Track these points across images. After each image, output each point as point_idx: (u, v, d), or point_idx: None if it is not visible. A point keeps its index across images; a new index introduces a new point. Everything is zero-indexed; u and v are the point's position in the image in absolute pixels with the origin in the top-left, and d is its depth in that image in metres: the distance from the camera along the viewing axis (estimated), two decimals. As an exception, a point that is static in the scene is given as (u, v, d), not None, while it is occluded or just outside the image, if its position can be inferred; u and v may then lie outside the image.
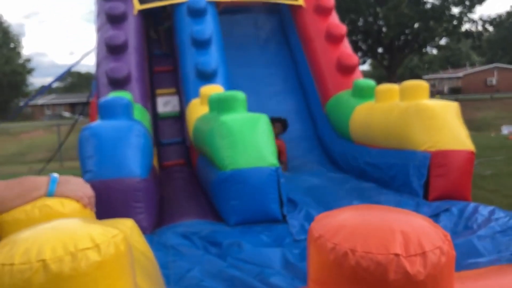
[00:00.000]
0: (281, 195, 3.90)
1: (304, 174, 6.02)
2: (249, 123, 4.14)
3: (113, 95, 5.44)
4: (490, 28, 38.80)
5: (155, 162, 5.73)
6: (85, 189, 1.83)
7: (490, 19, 36.14)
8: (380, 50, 34.69)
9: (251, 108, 7.27)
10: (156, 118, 7.29)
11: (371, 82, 6.16)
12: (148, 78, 7.27)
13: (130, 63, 6.60)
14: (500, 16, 38.19)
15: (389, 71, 34.39)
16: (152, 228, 3.79)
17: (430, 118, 4.44)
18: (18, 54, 48.13)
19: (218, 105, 4.54)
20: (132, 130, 3.87)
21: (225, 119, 4.13)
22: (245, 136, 4.00)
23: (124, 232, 1.27)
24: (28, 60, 49.16)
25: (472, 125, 23.32)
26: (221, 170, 3.94)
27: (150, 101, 7.13)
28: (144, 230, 3.60)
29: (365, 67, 71.76)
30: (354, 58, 6.85)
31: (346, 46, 7.22)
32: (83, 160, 3.71)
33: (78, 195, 1.74)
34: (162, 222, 4.09)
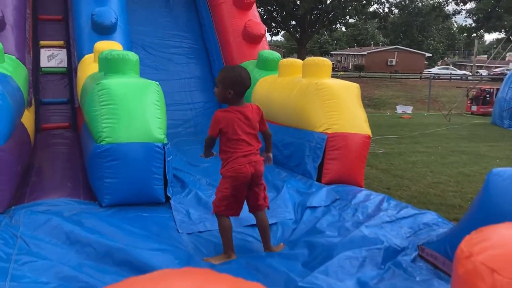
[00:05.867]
0: (166, 175, 3.51)
1: (201, 148, 5.64)
2: (136, 90, 3.64)
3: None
4: (396, 11, 40.91)
5: (29, 124, 5.01)
6: None
7: (396, 1, 38.10)
8: (293, 22, 35.05)
9: (150, 71, 6.74)
10: (38, 73, 6.43)
11: (276, 54, 5.91)
12: (29, 26, 6.34)
13: (6, 5, 5.64)
14: (404, 0, 40.22)
15: (300, 44, 34.96)
16: (7, 205, 3.20)
17: (329, 98, 4.28)
18: None
19: (106, 66, 3.98)
20: (-17, 88, 3.20)
21: (106, 82, 3.59)
22: (130, 105, 3.51)
23: None
24: None
25: (370, 102, 24.54)
26: (97, 143, 3.43)
27: (30, 53, 6.23)
28: (-6, 208, 3.04)
29: (279, 37, 72.63)
30: (261, 27, 6.54)
31: (254, 15, 6.87)
32: None
33: None
34: (23, 198, 3.51)
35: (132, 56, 4.03)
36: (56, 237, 2.75)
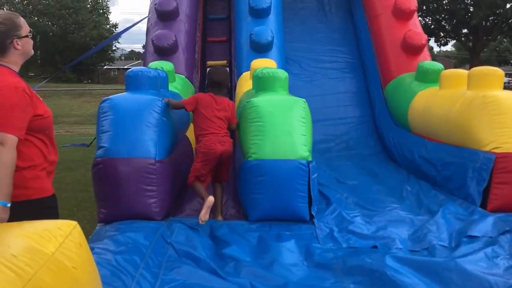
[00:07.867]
0: (311, 192, 3.44)
1: (352, 165, 5.48)
2: (282, 107, 3.67)
3: (153, 65, 5.19)
4: None
5: (193, 138, 5.45)
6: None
7: None
8: (465, 30, 32.21)
9: (305, 87, 6.81)
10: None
11: (438, 65, 5.42)
12: (199, 48, 6.97)
13: (179, 31, 6.30)
14: None
15: (473, 53, 31.87)
16: (165, 214, 3.48)
17: (499, 113, 3.73)
18: (107, 19, 49.27)
19: (258, 83, 4.15)
20: (151, 106, 3.54)
21: (255, 100, 3.70)
22: (276, 122, 3.56)
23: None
24: (115, 25, 49.96)
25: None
26: (245, 158, 3.55)
27: (198, 72, 6.84)
28: (154, 216, 3.34)
29: (448, 47, 67.55)
30: (422, 37, 6.08)
31: (415, 24, 6.44)
32: (99, 134, 3.46)
33: None
34: (180, 209, 3.82)
35: (282, 73, 4.10)
36: (201, 248, 2.92)
